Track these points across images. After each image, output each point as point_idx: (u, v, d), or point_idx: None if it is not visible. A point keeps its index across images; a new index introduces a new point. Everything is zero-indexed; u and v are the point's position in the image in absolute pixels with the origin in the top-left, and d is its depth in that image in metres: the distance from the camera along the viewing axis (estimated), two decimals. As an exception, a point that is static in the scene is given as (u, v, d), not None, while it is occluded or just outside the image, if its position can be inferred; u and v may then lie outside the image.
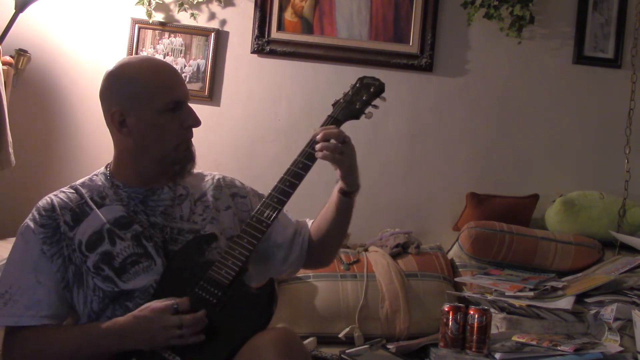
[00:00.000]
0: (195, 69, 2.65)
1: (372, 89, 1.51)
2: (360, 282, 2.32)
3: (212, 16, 2.68)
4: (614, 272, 2.35)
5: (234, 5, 2.69)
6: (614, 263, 2.46)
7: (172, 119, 1.46)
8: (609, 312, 2.12)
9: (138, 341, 1.34)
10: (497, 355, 1.93)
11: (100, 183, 1.52)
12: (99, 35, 2.62)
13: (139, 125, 1.45)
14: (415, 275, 2.38)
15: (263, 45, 2.68)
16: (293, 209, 1.64)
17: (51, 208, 1.46)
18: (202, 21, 2.66)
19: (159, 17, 2.64)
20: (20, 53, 2.48)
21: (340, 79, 2.70)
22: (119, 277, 1.42)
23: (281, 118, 2.72)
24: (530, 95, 2.82)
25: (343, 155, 1.44)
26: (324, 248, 1.62)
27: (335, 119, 1.50)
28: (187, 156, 1.51)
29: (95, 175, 1.55)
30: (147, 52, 2.62)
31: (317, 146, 1.43)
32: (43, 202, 1.48)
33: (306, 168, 1.44)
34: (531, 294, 2.18)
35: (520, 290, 2.20)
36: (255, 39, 2.68)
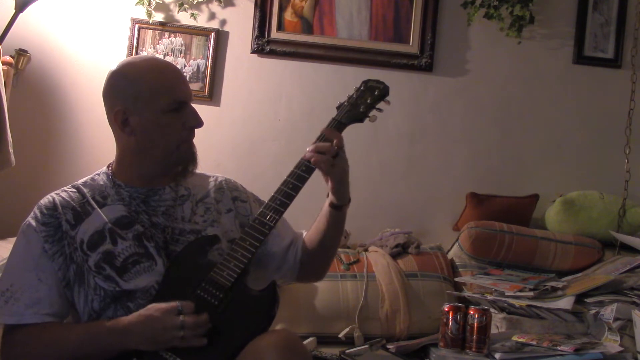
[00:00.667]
0: (195, 69, 2.65)
1: (376, 92, 1.51)
2: (360, 282, 2.32)
3: (212, 16, 2.68)
4: (614, 272, 2.35)
5: (234, 5, 2.69)
6: (614, 263, 2.46)
7: (175, 119, 1.46)
8: (609, 312, 2.12)
9: (141, 340, 1.34)
10: (497, 355, 1.93)
11: (102, 182, 1.52)
12: (99, 35, 2.62)
13: (141, 124, 1.45)
14: (415, 275, 2.38)
15: (263, 45, 2.68)
16: (292, 214, 1.64)
17: (53, 207, 1.46)
18: (202, 21, 2.66)
19: (159, 17, 2.64)
20: (20, 53, 2.48)
21: (340, 79, 2.70)
22: (120, 277, 1.42)
23: (281, 118, 2.72)
24: (530, 95, 2.82)
25: (334, 168, 1.44)
26: (316, 260, 1.61)
27: (339, 122, 1.49)
28: (189, 156, 1.51)
29: (97, 174, 1.55)
30: (147, 52, 2.62)
31: (308, 151, 1.44)
32: (45, 200, 1.48)
33: (309, 171, 1.45)
34: (531, 294, 2.18)
35: (520, 290, 2.20)
36: (255, 39, 2.68)
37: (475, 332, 1.97)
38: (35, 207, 1.48)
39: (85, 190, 1.51)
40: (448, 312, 2.01)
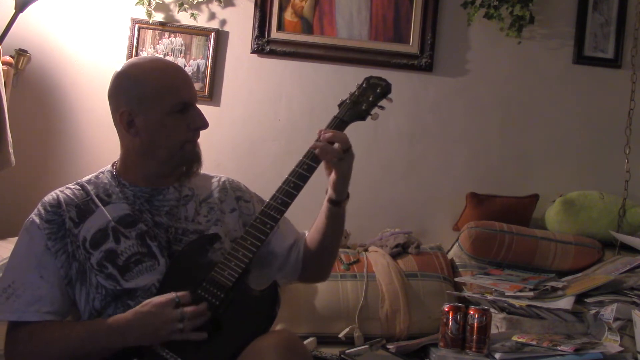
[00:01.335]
0: (195, 69, 2.65)
1: (378, 90, 1.50)
2: (360, 282, 2.32)
3: (212, 16, 2.68)
4: (614, 272, 2.35)
5: (234, 5, 2.69)
6: (614, 263, 2.46)
7: (180, 120, 1.47)
8: (609, 312, 2.12)
9: (141, 336, 1.34)
10: (497, 355, 1.93)
11: (106, 181, 1.52)
12: (99, 35, 2.62)
13: (146, 125, 1.46)
14: (415, 275, 2.38)
15: (263, 45, 2.68)
16: (294, 213, 1.64)
17: (57, 204, 1.46)
18: (202, 21, 2.66)
19: (159, 17, 2.64)
20: (20, 53, 2.48)
21: (340, 79, 2.70)
22: (122, 276, 1.42)
23: (281, 118, 2.72)
24: (530, 95, 2.82)
25: (342, 162, 1.44)
26: (317, 259, 1.61)
27: (341, 120, 1.49)
28: (193, 157, 1.51)
29: (101, 172, 1.55)
30: (147, 52, 2.62)
31: (318, 144, 1.43)
32: (49, 197, 1.49)
33: (311, 169, 1.44)
34: (531, 294, 2.18)
35: (520, 290, 2.20)
36: (255, 39, 2.68)
37: (475, 332, 1.97)
38: (39, 204, 1.48)
39: (89, 188, 1.51)
40: (448, 312, 2.01)
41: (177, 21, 2.65)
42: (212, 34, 2.65)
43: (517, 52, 2.77)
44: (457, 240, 2.59)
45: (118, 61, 2.59)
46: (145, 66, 1.49)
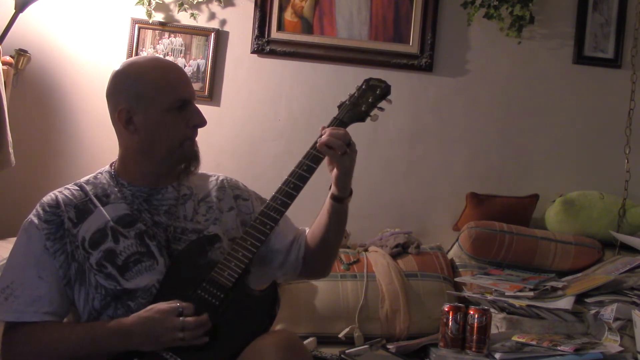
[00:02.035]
0: (195, 69, 2.65)
1: (378, 91, 1.51)
2: (360, 282, 2.32)
3: (212, 16, 2.68)
4: (614, 272, 2.35)
5: (234, 5, 2.69)
6: (614, 263, 2.46)
7: (178, 118, 1.47)
8: (609, 312, 2.12)
9: (142, 342, 1.34)
10: (497, 355, 1.93)
11: (104, 181, 1.52)
12: (99, 35, 2.62)
13: (145, 123, 1.46)
14: (415, 275, 2.38)
15: (263, 45, 2.68)
16: (294, 212, 1.64)
17: (56, 204, 1.46)
18: (202, 21, 2.66)
19: (159, 17, 2.64)
20: (20, 53, 2.48)
21: (340, 79, 2.70)
22: (122, 275, 1.42)
23: (281, 118, 2.72)
24: (530, 95, 2.82)
25: (344, 157, 1.44)
26: (319, 256, 1.60)
27: (340, 121, 1.49)
28: (192, 155, 1.51)
29: (99, 173, 1.55)
30: (147, 52, 2.62)
31: (323, 138, 1.43)
32: (47, 198, 1.49)
33: (310, 170, 1.44)
34: (531, 294, 2.18)
35: (520, 290, 2.20)
36: (255, 39, 2.68)
37: (475, 332, 1.97)
38: (38, 205, 1.48)
39: (88, 188, 1.51)
40: (448, 312, 2.01)
41: (177, 21, 2.65)
42: (212, 34, 2.65)
43: (517, 52, 2.77)
44: (457, 240, 2.59)
45: (118, 61, 2.56)
46: (143, 65, 1.50)
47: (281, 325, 2.16)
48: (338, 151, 1.43)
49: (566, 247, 2.53)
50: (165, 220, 1.49)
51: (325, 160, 1.47)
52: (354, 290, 2.30)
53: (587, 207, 2.66)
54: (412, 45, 2.73)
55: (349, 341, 2.21)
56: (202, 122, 1.51)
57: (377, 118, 1.51)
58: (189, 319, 1.33)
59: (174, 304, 1.35)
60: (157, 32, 2.64)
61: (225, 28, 2.69)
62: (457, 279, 2.46)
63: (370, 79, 1.54)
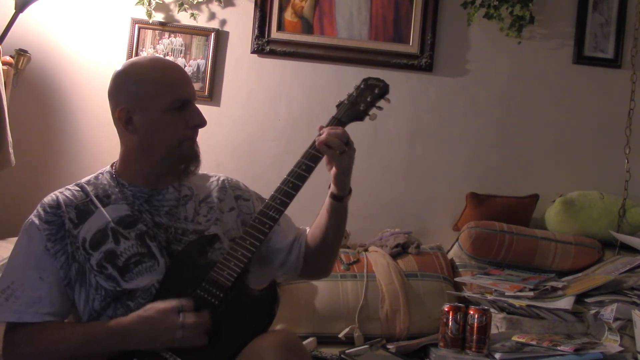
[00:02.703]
0: (195, 69, 2.65)
1: (376, 91, 1.50)
2: (360, 282, 2.32)
3: (212, 16, 2.68)
4: (614, 272, 2.35)
5: (234, 5, 2.69)
6: (614, 263, 2.46)
7: (178, 118, 1.47)
8: (609, 312, 2.12)
9: (141, 341, 1.34)
10: (497, 355, 1.93)
11: (105, 182, 1.52)
12: (99, 35, 2.62)
13: (144, 123, 1.46)
14: (415, 275, 2.38)
15: (263, 45, 2.68)
16: (294, 212, 1.64)
17: (56, 205, 1.46)
18: (202, 21, 2.66)
19: (159, 17, 2.64)
20: (20, 53, 2.48)
21: (340, 79, 2.70)
22: (122, 277, 1.42)
23: (281, 118, 2.72)
24: (530, 95, 2.82)
25: (343, 155, 1.44)
26: (319, 255, 1.60)
27: (339, 121, 1.49)
28: (191, 155, 1.51)
29: (100, 173, 1.55)
30: (147, 52, 2.62)
31: (321, 137, 1.43)
32: (48, 198, 1.48)
33: (309, 170, 1.44)
34: (531, 294, 2.18)
35: (520, 290, 2.20)
36: (255, 39, 2.68)
37: (475, 332, 1.97)
38: (39, 205, 1.48)
39: (88, 188, 1.51)
40: (448, 312, 2.01)
41: (177, 21, 2.66)
42: (212, 34, 2.65)
43: (517, 52, 2.77)
44: (457, 240, 2.59)
45: (118, 61, 2.58)
46: (144, 64, 1.50)
47: (281, 325, 2.16)
48: (337, 150, 1.43)
49: (566, 247, 2.53)
50: (166, 221, 1.49)
51: (324, 160, 1.47)
52: (354, 290, 2.30)
53: (587, 207, 2.66)
54: (412, 45, 2.73)
55: (349, 341, 2.21)
56: (202, 123, 1.51)
57: (376, 117, 1.51)
58: (189, 318, 1.33)
59: (173, 302, 1.35)
60: (157, 32, 2.64)
61: (225, 28, 2.69)
62: (457, 279, 2.46)
63: (369, 78, 1.54)
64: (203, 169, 1.64)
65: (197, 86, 2.63)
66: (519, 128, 2.81)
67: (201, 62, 2.65)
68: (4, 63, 2.35)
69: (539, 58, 2.81)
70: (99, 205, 1.48)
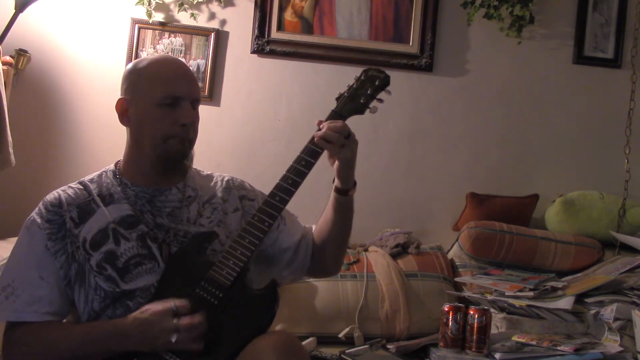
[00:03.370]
0: (195, 69, 2.64)
1: (377, 82, 1.48)
2: (360, 282, 2.32)
3: (212, 16, 2.68)
4: (614, 272, 2.35)
5: (234, 5, 2.69)
6: (614, 263, 2.46)
7: (167, 114, 1.45)
8: (609, 312, 2.12)
9: (138, 344, 1.34)
10: (497, 355, 1.93)
11: (108, 181, 1.52)
12: (99, 35, 2.62)
13: (136, 115, 1.47)
14: (415, 275, 2.38)
15: (263, 45, 2.68)
16: (294, 210, 1.64)
17: (58, 203, 1.46)
18: (202, 21, 2.66)
19: (159, 17, 2.64)
20: (20, 53, 2.48)
21: (340, 79, 2.68)
22: (121, 278, 1.42)
23: (281, 118, 2.72)
24: (530, 95, 2.82)
25: (344, 149, 1.42)
26: (326, 252, 1.59)
27: (339, 115, 1.47)
28: (178, 155, 1.48)
29: (104, 172, 1.55)
30: (147, 52, 2.62)
31: (320, 132, 1.41)
32: (51, 197, 1.48)
33: (308, 166, 1.43)
34: (531, 294, 2.18)
35: (520, 290, 2.20)
36: (255, 39, 2.68)
37: (475, 332, 1.97)
38: (41, 203, 1.47)
39: (91, 187, 1.50)
40: (448, 312, 2.01)
41: (177, 21, 2.65)
42: (212, 34, 2.65)
43: (517, 52, 2.77)
44: (457, 240, 2.59)
45: (118, 61, 2.61)
46: (150, 59, 1.50)
47: (281, 325, 2.16)
48: (336, 144, 1.41)
49: (566, 247, 2.53)
50: (167, 222, 1.48)
51: (326, 154, 1.46)
52: (354, 290, 2.30)
53: (587, 207, 2.66)
54: (412, 45, 2.73)
55: (349, 341, 2.21)
56: (189, 120, 1.46)
57: (377, 110, 1.48)
58: (183, 321, 1.32)
59: (168, 304, 1.34)
60: (157, 32, 2.64)
61: (225, 28, 2.69)
62: (457, 279, 2.46)
63: (369, 69, 1.51)
64: (204, 169, 1.64)
65: (197, 86, 2.62)
66: (519, 128, 2.81)
67: (201, 62, 2.65)
68: (4, 63, 2.35)
69: (539, 58, 2.80)
70: (100, 204, 1.47)
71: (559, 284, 2.25)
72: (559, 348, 1.95)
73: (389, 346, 2.11)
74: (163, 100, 1.44)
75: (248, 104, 2.70)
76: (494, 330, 2.10)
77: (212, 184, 1.60)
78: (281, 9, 2.68)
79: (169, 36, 2.64)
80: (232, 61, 2.69)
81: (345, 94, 1.50)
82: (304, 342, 2.08)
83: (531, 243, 2.52)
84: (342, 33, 2.72)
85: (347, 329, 2.22)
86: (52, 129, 2.61)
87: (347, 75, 2.64)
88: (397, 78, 2.67)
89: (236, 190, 1.61)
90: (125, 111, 1.48)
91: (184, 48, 2.65)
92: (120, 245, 1.44)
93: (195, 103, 1.50)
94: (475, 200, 2.67)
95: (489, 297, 2.22)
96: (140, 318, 1.34)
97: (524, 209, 2.71)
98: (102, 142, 2.55)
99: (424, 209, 2.77)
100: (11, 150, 2.29)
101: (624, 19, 2.82)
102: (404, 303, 2.28)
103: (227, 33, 2.69)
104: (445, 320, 2.01)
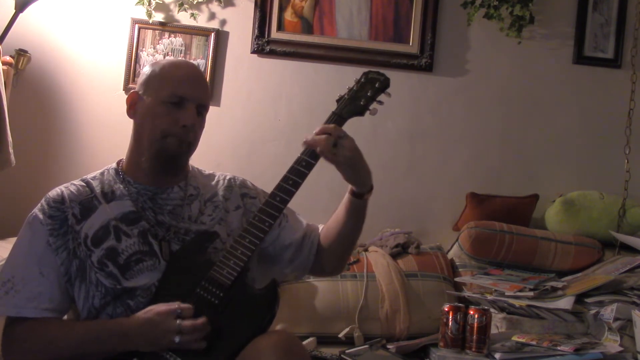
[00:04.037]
0: (195, 69, 2.64)
1: (377, 84, 1.48)
2: (360, 282, 2.32)
3: (212, 16, 2.68)
4: (614, 272, 2.35)
5: (234, 5, 2.69)
6: (614, 263, 2.46)
7: (171, 113, 1.46)
8: (609, 312, 2.12)
9: (140, 343, 1.34)
10: (497, 355, 1.93)
11: (111, 178, 1.53)
12: (99, 35, 2.62)
13: (142, 109, 1.49)
14: (415, 275, 2.38)
15: (263, 45, 2.68)
16: (295, 210, 1.64)
17: (61, 200, 1.46)
18: (202, 21, 2.66)
19: (159, 17, 2.64)
20: (20, 53, 2.48)
21: (340, 79, 2.70)
22: (123, 275, 1.42)
23: (281, 118, 2.72)
24: (530, 95, 2.82)
25: (336, 153, 1.40)
26: (333, 252, 1.58)
27: (339, 116, 1.47)
28: (176, 151, 1.48)
29: (106, 169, 1.56)
30: (147, 52, 2.62)
31: (307, 140, 1.41)
32: (53, 193, 1.48)
33: (309, 166, 1.42)
34: (531, 294, 2.18)
35: (520, 290, 2.20)
36: (255, 39, 2.68)
37: (475, 332, 1.97)
38: (43, 199, 1.48)
39: (94, 184, 1.51)
40: (448, 312, 2.01)
41: (177, 21, 2.65)
42: (212, 34, 2.65)
43: (517, 52, 2.77)
44: (457, 240, 2.59)
45: (118, 61, 2.61)
46: (169, 61, 1.56)
47: (281, 325, 2.16)
48: (325, 149, 1.39)
49: (566, 247, 2.53)
50: (169, 220, 1.49)
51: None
52: (354, 290, 2.30)
53: (587, 207, 2.66)
54: (412, 45, 2.73)
55: (349, 341, 2.21)
56: (189, 124, 1.46)
57: (377, 112, 1.48)
58: (186, 322, 1.32)
59: (173, 306, 1.34)
60: (157, 32, 2.64)
61: (225, 28, 2.69)
62: (457, 279, 2.46)
63: (369, 71, 1.51)
64: (204, 169, 1.64)
65: (197, 86, 2.62)
66: (519, 128, 2.82)
67: (201, 62, 2.65)
68: (4, 63, 2.35)
69: (539, 58, 2.81)
70: (102, 201, 1.48)
71: (559, 284, 2.25)
72: (559, 348, 1.95)
73: (389, 346, 2.11)
74: (169, 98, 1.46)
75: (248, 104, 2.70)
76: (494, 330, 2.10)
77: (213, 182, 1.60)
78: (281, 9, 2.68)
79: (169, 36, 2.64)
80: (232, 61, 2.69)
81: (346, 96, 1.50)
82: (304, 342, 2.09)
83: (531, 243, 2.52)
84: (342, 33, 2.72)
85: (347, 329, 2.22)
86: (52, 129, 2.61)
87: (347, 76, 2.68)
88: (397, 78, 2.68)
89: (238, 188, 1.61)
90: (134, 104, 1.50)
91: (184, 48, 2.65)
92: (121, 242, 1.44)
93: (201, 109, 1.50)
94: (475, 200, 2.67)
95: (489, 297, 2.22)
96: (143, 318, 1.34)
97: (524, 209, 2.71)
98: (102, 142, 2.55)
99: (424, 209, 2.77)
100: (11, 150, 2.29)
101: (624, 19, 2.82)
102: (404, 303, 2.28)
103: (227, 33, 2.69)
104: (445, 320, 2.01)
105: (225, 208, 1.56)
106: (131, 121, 1.53)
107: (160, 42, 2.64)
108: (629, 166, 2.73)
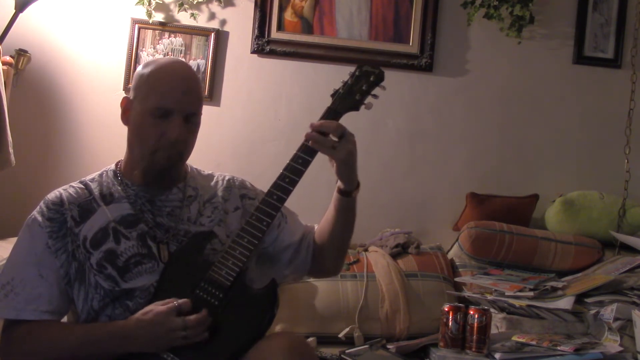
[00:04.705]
0: (195, 69, 2.64)
1: (372, 78, 1.47)
2: (360, 282, 2.32)
3: (212, 16, 2.68)
4: (614, 272, 2.35)
5: (234, 5, 2.69)
6: (614, 263, 2.46)
7: (156, 125, 1.43)
8: (609, 312, 2.12)
9: (141, 345, 1.34)
10: (497, 355, 1.93)
11: (109, 180, 1.52)
12: (99, 35, 2.62)
13: (133, 117, 1.47)
14: (415, 275, 2.38)
15: (263, 45, 2.68)
16: (293, 209, 1.64)
17: (60, 202, 1.46)
18: (202, 21, 2.66)
19: (159, 17, 2.64)
20: (20, 53, 2.48)
21: (340, 79, 2.62)
22: (121, 277, 1.42)
23: (281, 118, 2.72)
24: (531, 95, 2.82)
25: (337, 149, 1.40)
26: (327, 252, 1.58)
27: (334, 111, 1.46)
28: (166, 166, 1.47)
29: (105, 171, 1.55)
30: (147, 52, 2.62)
31: (308, 133, 1.40)
32: (52, 195, 1.48)
33: (305, 163, 1.42)
34: (531, 294, 2.18)
35: (520, 290, 2.20)
36: (255, 39, 2.68)
37: (475, 332, 1.97)
38: (42, 202, 1.48)
39: (92, 186, 1.51)
40: (448, 312, 2.01)
41: (177, 21, 2.65)
42: (212, 34, 2.65)
43: (517, 52, 2.77)
44: (457, 240, 2.59)
45: (118, 61, 2.61)
46: (157, 64, 1.48)
47: (281, 325, 2.16)
48: (327, 146, 1.39)
49: (566, 247, 2.53)
50: (167, 222, 1.48)
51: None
52: (354, 290, 2.30)
53: (587, 207, 2.66)
54: (412, 45, 2.73)
55: (349, 341, 2.21)
56: (174, 138, 1.43)
57: (372, 106, 1.47)
58: (190, 317, 1.32)
59: (171, 303, 1.34)
60: (157, 32, 2.64)
61: (225, 28, 2.69)
62: (457, 279, 2.46)
63: (363, 65, 1.50)
64: (204, 169, 1.64)
65: (197, 86, 2.62)
66: (519, 128, 2.82)
67: (201, 62, 2.65)
68: (4, 63, 2.35)
69: (539, 58, 2.81)
70: (101, 203, 1.48)
71: (559, 284, 2.25)
72: (559, 348, 1.95)
73: (389, 346, 2.11)
74: (153, 111, 1.43)
75: (248, 104, 2.70)
76: (494, 330, 2.10)
77: (212, 183, 1.60)
78: (281, 9, 2.68)
79: (169, 36, 2.64)
80: (232, 61, 2.69)
81: (340, 91, 1.49)
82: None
83: (531, 243, 2.52)
84: (342, 33, 2.72)
85: (347, 329, 2.22)
86: (52, 128, 2.61)
87: (347, 75, 2.67)
88: (397, 78, 2.70)
89: (237, 189, 1.61)
90: (127, 110, 1.49)
91: (184, 48, 2.65)
92: (120, 244, 1.44)
93: (191, 117, 1.47)
94: (475, 200, 2.67)
95: (489, 297, 2.22)
96: (144, 319, 1.34)
97: (524, 209, 2.71)
98: (102, 142, 2.55)
99: (424, 209, 2.77)
100: (11, 150, 2.29)
101: (624, 19, 2.82)
102: (404, 303, 2.28)
103: (227, 33, 2.69)
104: (445, 320, 2.01)
105: (224, 209, 1.55)
106: None
107: (160, 42, 2.64)
108: (629, 166, 2.73)
